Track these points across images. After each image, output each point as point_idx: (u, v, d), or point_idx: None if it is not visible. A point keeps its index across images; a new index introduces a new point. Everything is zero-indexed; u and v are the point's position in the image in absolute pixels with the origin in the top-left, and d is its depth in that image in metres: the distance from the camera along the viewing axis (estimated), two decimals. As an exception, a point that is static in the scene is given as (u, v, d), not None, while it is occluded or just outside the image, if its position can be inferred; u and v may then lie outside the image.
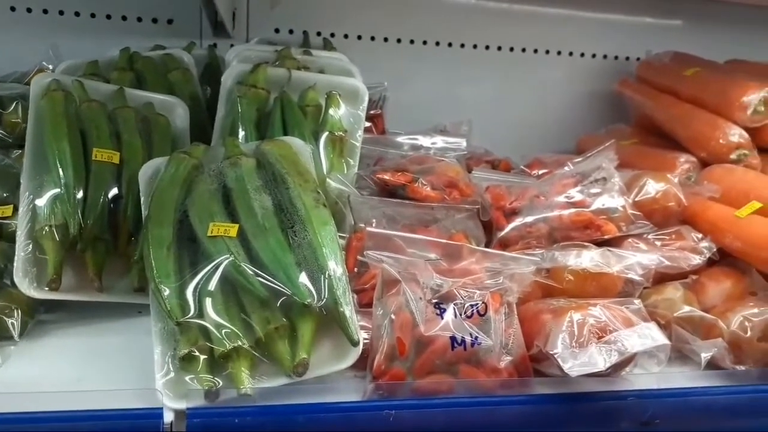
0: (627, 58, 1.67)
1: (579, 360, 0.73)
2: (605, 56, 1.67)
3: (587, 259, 0.90)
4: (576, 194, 1.01)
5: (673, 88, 1.42)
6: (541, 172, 1.21)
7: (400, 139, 1.31)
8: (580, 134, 1.61)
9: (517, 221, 0.99)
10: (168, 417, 0.68)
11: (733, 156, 1.22)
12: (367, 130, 1.30)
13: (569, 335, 0.76)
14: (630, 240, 1.00)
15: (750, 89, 1.25)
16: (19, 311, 0.80)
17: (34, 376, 0.74)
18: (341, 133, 1.03)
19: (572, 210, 0.98)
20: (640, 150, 1.38)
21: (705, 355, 0.87)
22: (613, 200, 1.00)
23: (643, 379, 0.83)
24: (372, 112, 1.40)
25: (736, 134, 1.23)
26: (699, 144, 1.27)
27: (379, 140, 1.29)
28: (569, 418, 0.80)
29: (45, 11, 1.29)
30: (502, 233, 0.98)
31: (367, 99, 1.08)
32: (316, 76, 1.08)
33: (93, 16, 1.31)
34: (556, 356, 0.74)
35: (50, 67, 1.21)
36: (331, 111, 1.03)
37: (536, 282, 0.90)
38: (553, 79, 1.66)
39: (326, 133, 1.02)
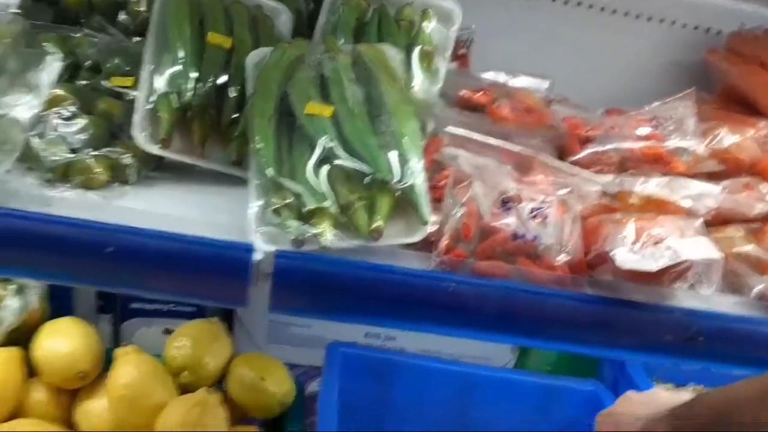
0: (718, 33, 1.66)
1: (632, 257, 0.78)
2: (696, 27, 1.66)
3: (653, 185, 0.95)
4: (649, 130, 1.04)
5: (760, 58, 1.42)
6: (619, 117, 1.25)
7: (482, 74, 1.37)
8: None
9: (591, 148, 1.03)
10: (257, 256, 0.77)
11: (814, 125, 1.22)
12: (451, 68, 1.36)
13: (627, 238, 0.81)
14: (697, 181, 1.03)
15: (842, 62, 1.24)
16: (135, 159, 0.91)
17: (143, 210, 0.84)
18: (430, 48, 1.10)
19: (644, 143, 1.02)
20: (719, 112, 1.39)
21: (758, 288, 0.90)
22: (685, 141, 1.04)
23: (692, 298, 0.87)
24: (459, 52, 1.46)
25: (821, 104, 1.23)
26: (781, 111, 1.28)
27: (461, 72, 1.35)
28: (616, 321, 0.85)
29: None
30: (575, 157, 1.03)
31: (459, 21, 1.14)
32: (414, -6, 1.15)
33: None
34: (610, 253, 0.79)
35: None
36: (423, 26, 1.10)
37: (601, 205, 0.96)
38: (640, 45, 1.66)
39: (417, 48, 1.09)
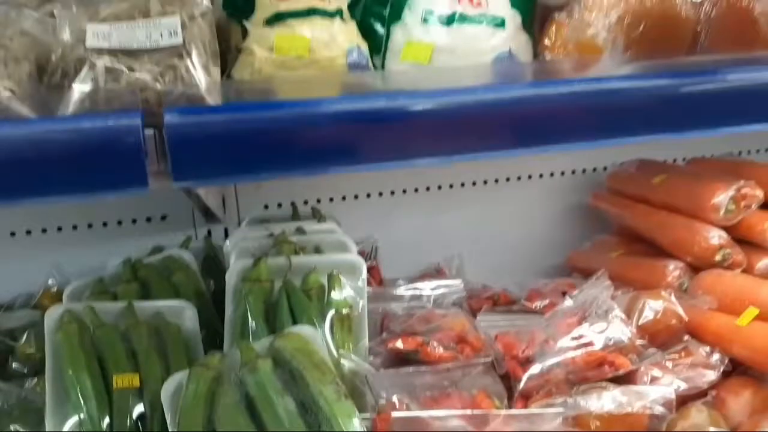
0: (594, 170, 1.75)
1: None
2: (574, 171, 1.74)
3: (609, 400, 0.93)
4: (582, 332, 1.04)
5: (645, 196, 1.49)
6: (542, 304, 1.25)
7: (399, 291, 1.35)
8: (567, 248, 1.66)
9: (532, 369, 1.01)
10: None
11: (717, 257, 1.26)
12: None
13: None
14: (643, 368, 1.02)
15: (718, 190, 1.31)
16: None
17: None
18: (347, 310, 1.06)
19: (582, 351, 1.01)
20: (627, 261, 1.43)
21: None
22: (618, 333, 1.03)
23: None
24: (367, 264, 1.45)
25: (716, 236, 1.28)
26: (682, 249, 1.32)
27: (379, 295, 1.32)
28: None
29: (44, 230, 1.34)
30: (521, 385, 1.00)
31: (365, 271, 1.12)
32: (314, 259, 1.13)
33: (90, 226, 1.36)
34: None
35: (54, 286, 1.26)
36: (334, 292, 1.07)
37: (566, 433, 0.92)
38: (533, 201, 1.72)
39: (332, 312, 1.05)
